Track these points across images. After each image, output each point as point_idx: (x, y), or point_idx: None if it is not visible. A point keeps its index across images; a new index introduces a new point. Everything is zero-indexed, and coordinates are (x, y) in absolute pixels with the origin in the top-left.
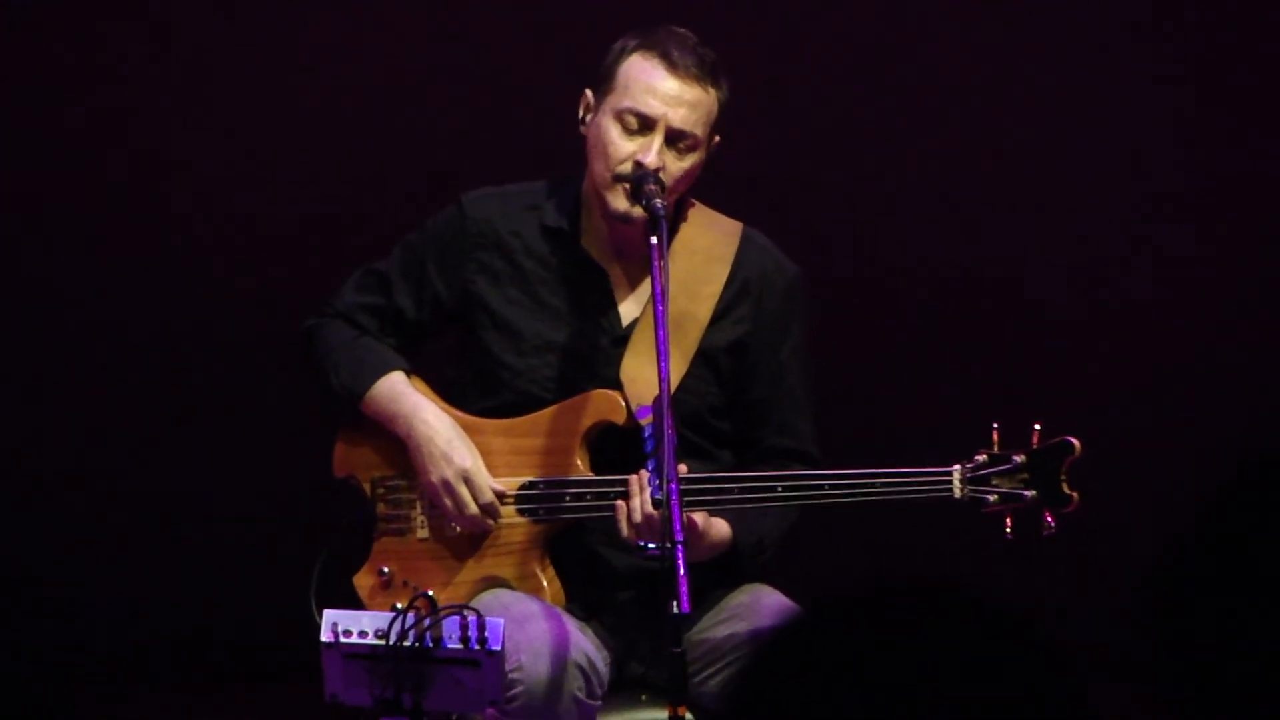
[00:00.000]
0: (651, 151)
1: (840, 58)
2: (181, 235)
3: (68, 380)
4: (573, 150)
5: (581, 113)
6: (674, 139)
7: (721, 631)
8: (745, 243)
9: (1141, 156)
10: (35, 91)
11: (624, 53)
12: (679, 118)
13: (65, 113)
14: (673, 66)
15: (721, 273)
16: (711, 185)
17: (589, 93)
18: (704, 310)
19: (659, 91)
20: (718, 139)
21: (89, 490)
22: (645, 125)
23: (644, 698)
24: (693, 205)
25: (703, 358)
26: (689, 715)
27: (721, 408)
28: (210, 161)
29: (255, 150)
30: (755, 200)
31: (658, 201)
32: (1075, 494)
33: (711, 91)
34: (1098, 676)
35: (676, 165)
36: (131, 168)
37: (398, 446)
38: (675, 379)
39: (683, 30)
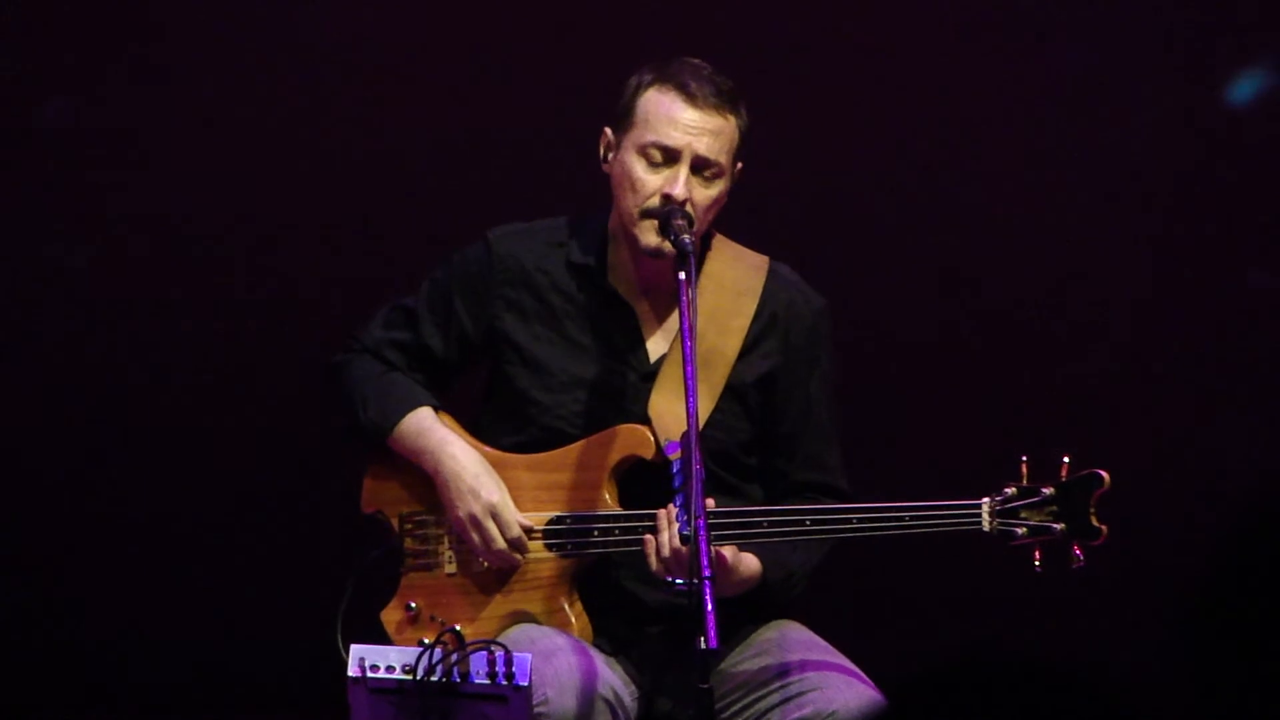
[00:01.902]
0: (679, 183)
1: (862, 92)
2: (207, 261)
3: (91, 409)
4: (592, 186)
5: (603, 151)
6: (699, 168)
7: (749, 667)
8: (772, 276)
9: (1170, 189)
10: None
11: (640, 88)
12: (703, 146)
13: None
14: (690, 97)
15: (749, 306)
16: (739, 219)
17: (608, 131)
18: (732, 345)
19: (680, 122)
20: (740, 165)
21: (115, 524)
22: (670, 157)
23: None
24: (718, 239)
25: (731, 392)
26: None
27: (750, 443)
28: (244, 197)
29: (284, 182)
30: (779, 234)
31: (685, 237)
32: (1104, 527)
33: (731, 118)
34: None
35: (704, 194)
36: (159, 196)
37: (425, 482)
38: (704, 415)
39: (697, 60)
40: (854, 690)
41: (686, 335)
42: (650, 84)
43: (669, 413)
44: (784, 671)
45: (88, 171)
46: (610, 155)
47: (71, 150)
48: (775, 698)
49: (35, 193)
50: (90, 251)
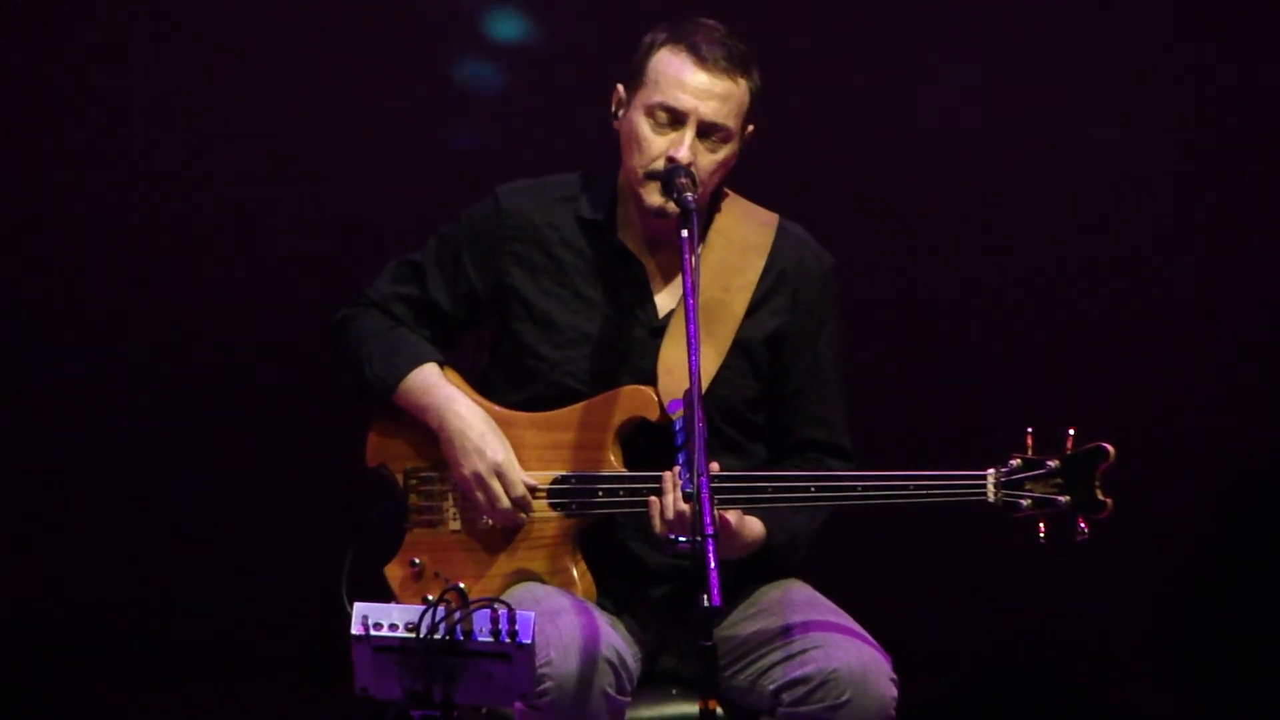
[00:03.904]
0: (683, 146)
1: (880, 62)
2: (199, 228)
3: (91, 376)
4: (603, 144)
5: (614, 107)
6: (706, 132)
7: (751, 626)
8: (782, 233)
9: (1178, 159)
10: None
11: (653, 47)
12: (710, 111)
13: (83, 111)
14: (701, 60)
15: (758, 263)
16: (749, 184)
17: (620, 87)
18: (740, 301)
19: (688, 86)
20: (751, 128)
21: (114, 485)
22: (676, 120)
23: (675, 692)
24: (729, 196)
25: (739, 348)
26: (719, 709)
27: (757, 399)
28: (231, 153)
29: (278, 138)
30: (791, 200)
31: (688, 195)
32: (1109, 500)
33: (741, 82)
34: (1128, 674)
35: (709, 159)
36: (152, 162)
37: (431, 438)
38: (711, 370)
39: (711, 22)
40: (857, 649)
41: (689, 294)
42: (662, 44)
43: (679, 366)
44: (787, 630)
45: (74, 165)
46: (621, 112)
47: (58, 146)
48: (777, 655)
49: (21, 190)
50: (85, 244)
